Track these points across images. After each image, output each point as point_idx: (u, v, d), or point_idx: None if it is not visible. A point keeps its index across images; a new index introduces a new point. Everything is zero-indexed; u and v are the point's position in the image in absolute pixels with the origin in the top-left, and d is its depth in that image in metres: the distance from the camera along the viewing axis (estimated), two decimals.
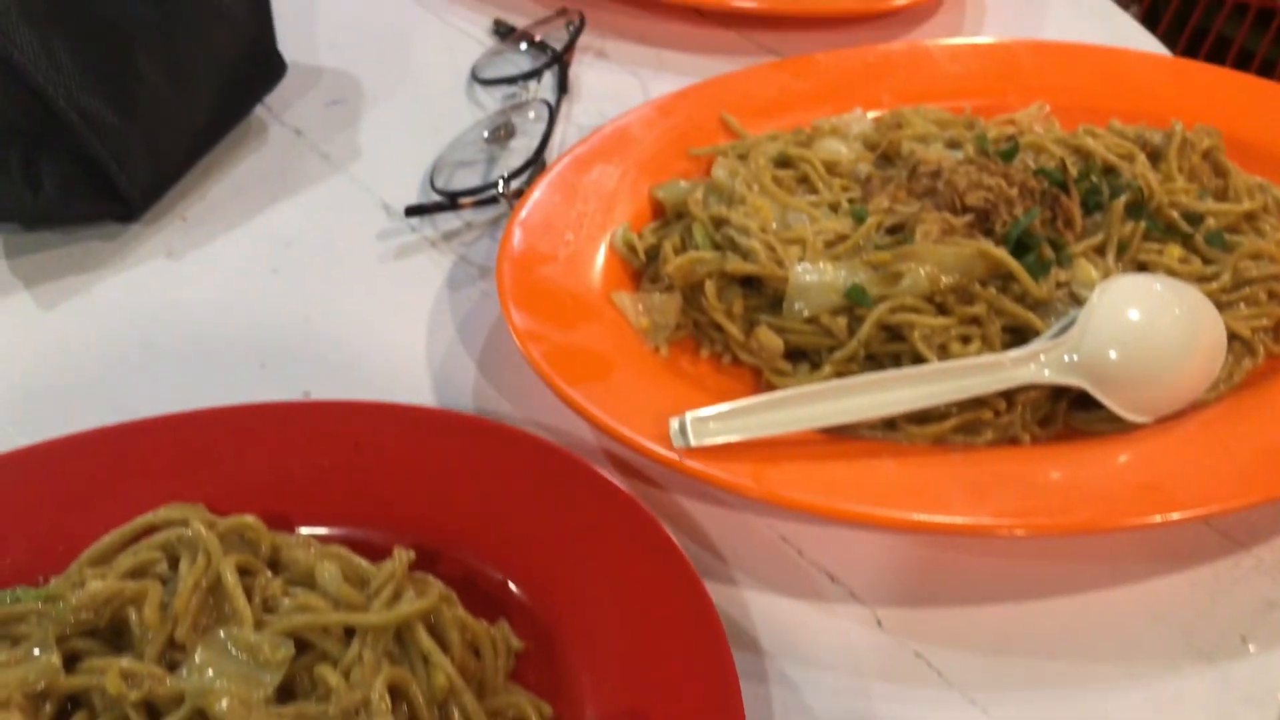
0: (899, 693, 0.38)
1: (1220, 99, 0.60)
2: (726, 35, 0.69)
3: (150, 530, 0.38)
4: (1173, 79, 0.62)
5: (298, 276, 0.52)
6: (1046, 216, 0.49)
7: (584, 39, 0.67)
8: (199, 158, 0.56)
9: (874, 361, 0.46)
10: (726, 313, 0.47)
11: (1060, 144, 0.54)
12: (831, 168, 0.53)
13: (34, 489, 0.40)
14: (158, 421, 0.42)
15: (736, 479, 0.40)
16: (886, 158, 0.55)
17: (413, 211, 0.54)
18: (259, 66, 0.59)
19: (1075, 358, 0.44)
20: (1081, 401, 0.45)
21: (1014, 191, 0.49)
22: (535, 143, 0.59)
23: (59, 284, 0.51)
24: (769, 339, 0.46)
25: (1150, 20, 1.30)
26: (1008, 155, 0.52)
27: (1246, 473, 0.41)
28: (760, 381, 0.47)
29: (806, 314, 0.46)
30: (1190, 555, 0.42)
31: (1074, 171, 0.52)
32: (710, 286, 0.47)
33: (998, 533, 0.40)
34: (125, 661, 0.33)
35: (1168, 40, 1.32)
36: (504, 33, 0.67)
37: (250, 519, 0.37)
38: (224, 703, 0.32)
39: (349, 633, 0.34)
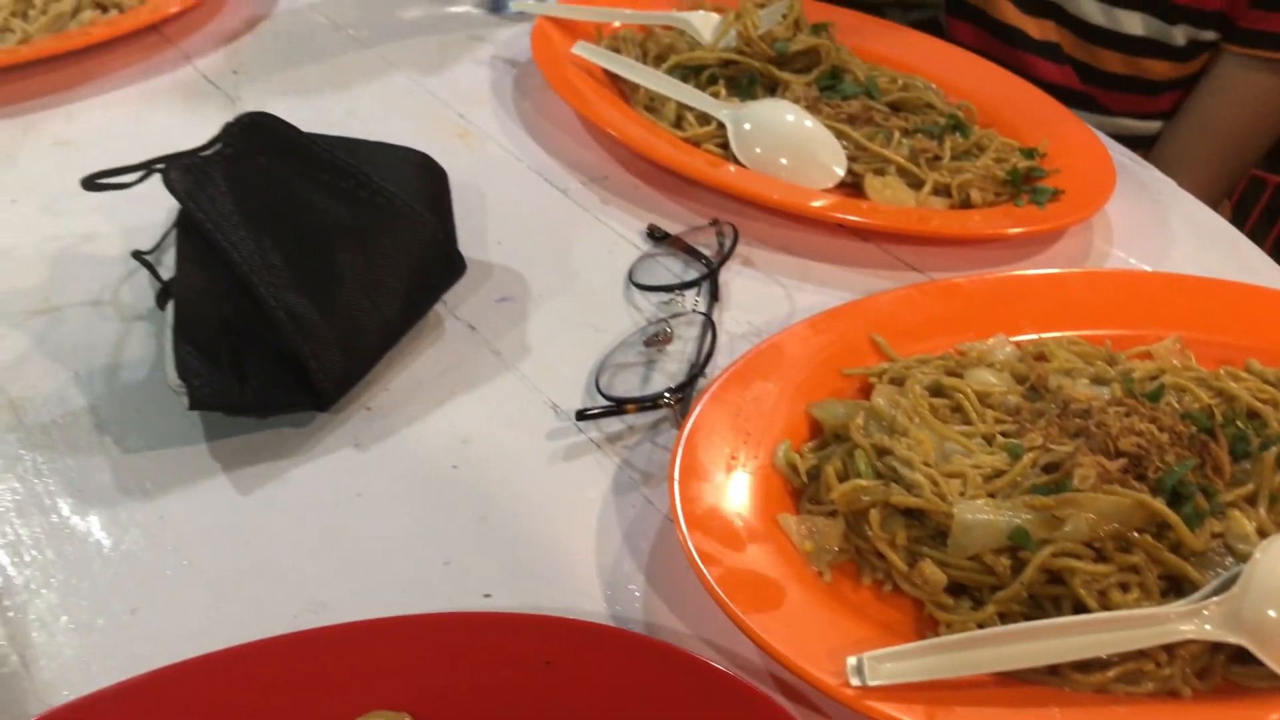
0: None
1: None
2: (865, 248, 0.73)
3: None
4: None
5: (475, 473, 0.56)
6: (1196, 463, 0.51)
7: (741, 247, 0.71)
8: (386, 351, 0.61)
9: (1034, 601, 0.47)
10: (890, 543, 0.49)
11: (1203, 385, 0.56)
12: (983, 398, 0.56)
13: (244, 688, 0.42)
14: (358, 626, 0.44)
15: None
16: (1035, 389, 0.57)
17: (583, 416, 0.58)
18: (442, 266, 0.64)
19: (1237, 615, 0.45)
20: (1240, 656, 0.46)
21: (1164, 437, 0.52)
22: (690, 347, 0.63)
23: (254, 470, 0.55)
24: (933, 574, 0.48)
25: (1240, 212, 1.34)
26: (1154, 397, 0.55)
27: None
28: (921, 613, 0.48)
29: (970, 552, 0.48)
30: None
31: (1219, 416, 0.54)
32: (874, 515, 0.50)
33: None
34: None
35: (1259, 231, 1.35)
36: (659, 237, 0.72)
37: None
38: None
39: None
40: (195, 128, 0.82)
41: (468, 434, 0.58)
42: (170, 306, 0.62)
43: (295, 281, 0.57)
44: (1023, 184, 0.77)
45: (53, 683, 0.45)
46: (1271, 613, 0.45)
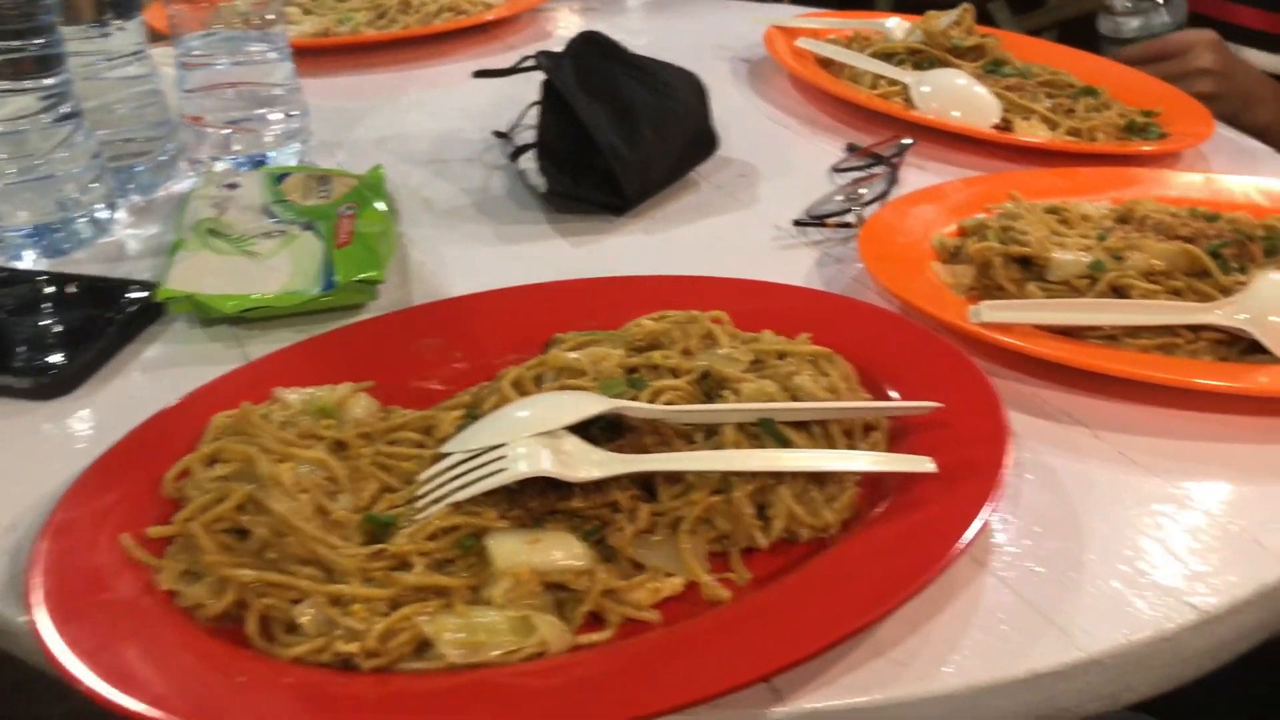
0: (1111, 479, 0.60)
1: None
2: (1011, 167, 0.98)
3: None
4: None
5: (725, 253, 0.83)
6: (1233, 241, 0.73)
7: (909, 158, 0.97)
8: (663, 189, 0.90)
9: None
10: (1007, 279, 0.73)
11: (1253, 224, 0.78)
12: (1085, 219, 0.79)
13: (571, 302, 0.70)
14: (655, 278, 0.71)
15: (1011, 340, 0.65)
16: (1124, 220, 0.80)
17: (798, 223, 0.85)
18: (704, 140, 0.93)
19: (1243, 315, 0.67)
20: (1253, 349, 0.67)
21: (1212, 231, 0.74)
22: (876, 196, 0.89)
23: (579, 239, 0.84)
24: (1034, 292, 0.71)
25: None
26: (1212, 219, 0.77)
27: None
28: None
29: (1062, 278, 0.71)
30: None
31: (1262, 231, 0.76)
32: (998, 261, 0.73)
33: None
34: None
35: None
36: (855, 148, 0.99)
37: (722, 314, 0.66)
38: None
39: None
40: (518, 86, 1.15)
41: (721, 233, 0.85)
42: (521, 159, 0.94)
43: (614, 130, 0.87)
44: (1139, 134, 1.01)
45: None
46: (1269, 311, 0.66)
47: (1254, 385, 0.64)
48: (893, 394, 0.62)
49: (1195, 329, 0.67)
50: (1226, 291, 0.70)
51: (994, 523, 0.56)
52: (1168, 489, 0.59)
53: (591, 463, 0.51)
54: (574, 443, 0.52)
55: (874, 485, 0.56)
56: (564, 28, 1.33)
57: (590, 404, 0.53)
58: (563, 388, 0.58)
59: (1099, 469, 0.60)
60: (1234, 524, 0.57)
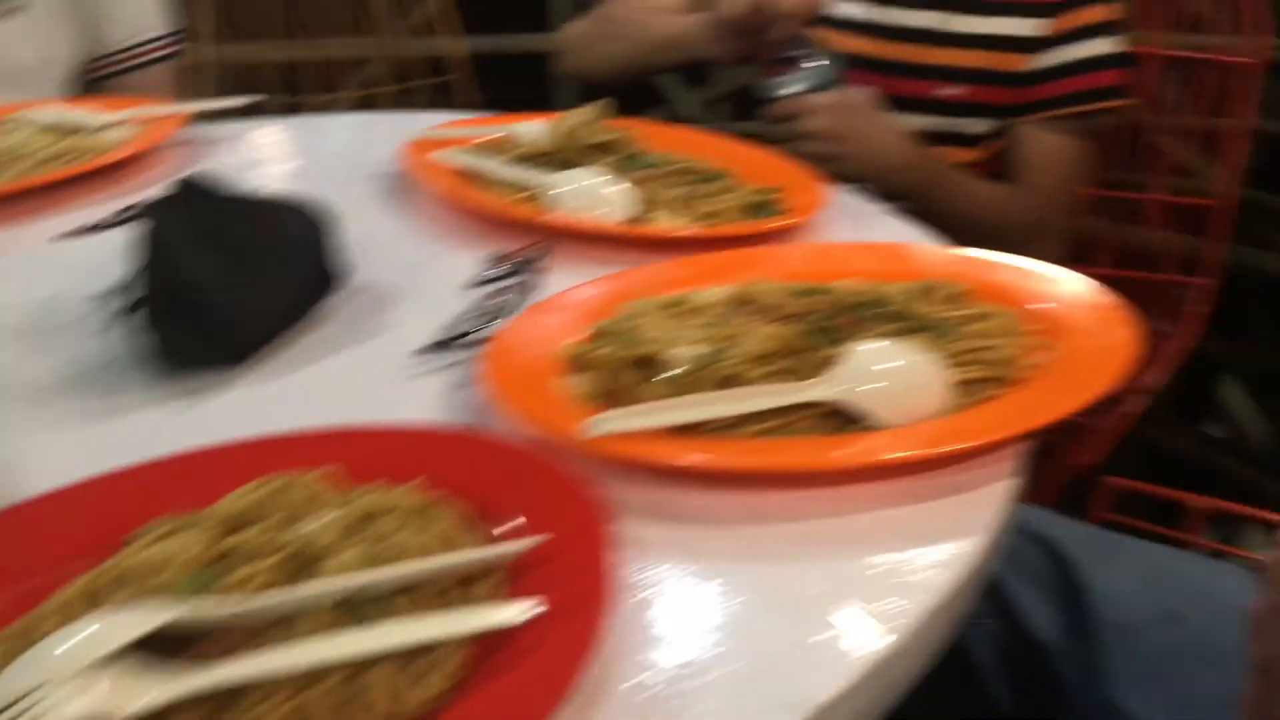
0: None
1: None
2: (651, 256, 0.99)
3: None
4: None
5: (351, 393, 0.79)
6: (835, 324, 0.76)
7: (553, 263, 0.97)
8: (283, 332, 0.85)
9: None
10: (628, 383, 0.73)
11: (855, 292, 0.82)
12: (703, 309, 0.81)
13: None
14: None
15: (618, 451, 0.65)
16: (740, 304, 0.82)
17: (426, 349, 0.82)
18: (325, 275, 0.89)
19: (837, 389, 0.69)
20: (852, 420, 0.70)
21: (817, 306, 0.77)
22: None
23: (191, 401, 0.78)
24: (654, 393, 0.71)
25: None
26: (819, 292, 0.80)
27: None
28: None
29: (676, 375, 0.71)
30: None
31: (861, 301, 0.80)
32: (616, 367, 0.73)
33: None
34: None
35: None
36: (497, 258, 0.98)
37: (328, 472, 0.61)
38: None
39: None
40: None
41: (345, 374, 0.81)
42: (126, 319, 0.86)
43: (223, 277, 0.81)
44: (761, 212, 1.05)
45: None
46: (856, 383, 0.69)
47: (843, 458, 0.66)
48: (513, 527, 0.59)
49: (802, 407, 0.69)
50: (827, 366, 0.72)
51: (614, 649, 0.54)
52: (787, 575, 0.60)
53: (146, 690, 0.45)
54: (128, 668, 0.46)
55: (490, 635, 0.53)
56: (191, 164, 1.26)
57: (142, 619, 0.47)
58: (133, 595, 0.52)
59: (722, 566, 0.60)
60: (848, 602, 0.58)
